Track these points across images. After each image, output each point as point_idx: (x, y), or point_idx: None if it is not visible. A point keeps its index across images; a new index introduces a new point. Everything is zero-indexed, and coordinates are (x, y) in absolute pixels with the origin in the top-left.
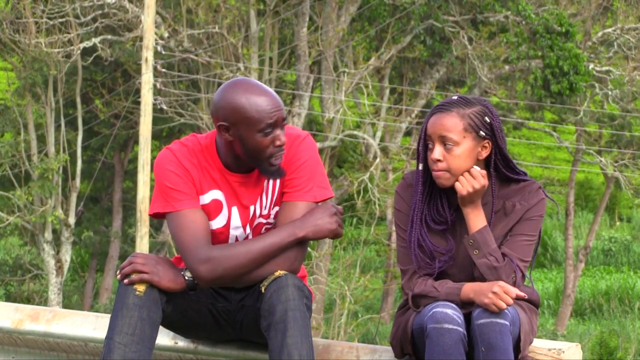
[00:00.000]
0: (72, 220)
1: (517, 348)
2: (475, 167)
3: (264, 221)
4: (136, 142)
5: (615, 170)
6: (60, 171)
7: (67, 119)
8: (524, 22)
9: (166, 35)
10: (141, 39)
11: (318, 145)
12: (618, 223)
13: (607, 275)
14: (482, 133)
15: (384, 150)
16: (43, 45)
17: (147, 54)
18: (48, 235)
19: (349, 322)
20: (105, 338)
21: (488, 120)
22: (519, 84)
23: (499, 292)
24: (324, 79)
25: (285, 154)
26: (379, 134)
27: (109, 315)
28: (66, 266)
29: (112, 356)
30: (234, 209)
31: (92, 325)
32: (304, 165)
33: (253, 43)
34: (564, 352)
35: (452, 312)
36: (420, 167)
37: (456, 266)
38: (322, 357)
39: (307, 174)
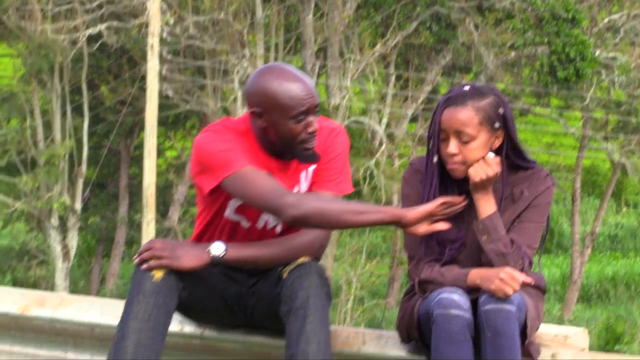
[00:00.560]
0: (78, 206)
1: (523, 334)
2: (490, 154)
3: None
4: (142, 128)
5: (621, 157)
6: (67, 157)
7: (73, 105)
8: (530, 9)
9: (172, 21)
10: (147, 26)
11: None
12: (624, 209)
13: (613, 261)
14: (496, 125)
15: (390, 137)
16: (49, 31)
17: (153, 41)
18: (54, 221)
19: (355, 308)
20: (119, 323)
21: (502, 112)
22: (525, 71)
23: (505, 278)
24: (329, 66)
25: (321, 145)
26: (384, 120)
27: (115, 301)
28: (72, 252)
29: (126, 341)
30: None
31: (99, 311)
32: (337, 158)
33: (259, 29)
34: (570, 337)
35: (458, 297)
36: (435, 159)
37: (464, 253)
38: None
39: (338, 167)
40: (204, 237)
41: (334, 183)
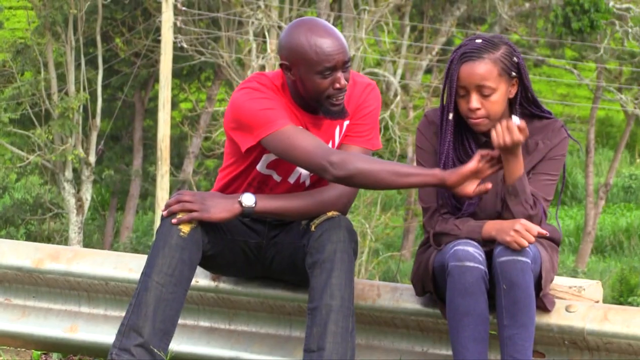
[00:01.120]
0: (92, 158)
1: (538, 286)
2: (515, 119)
3: None
4: (156, 80)
5: (635, 108)
6: (81, 110)
7: (87, 57)
8: None
9: None
10: None
11: None
12: (638, 160)
13: (627, 213)
14: (513, 74)
15: (405, 88)
16: None
17: None
18: (68, 174)
19: (369, 260)
20: (142, 274)
21: (516, 60)
22: (539, 22)
23: (520, 230)
24: (344, 17)
25: (355, 100)
26: (399, 71)
27: (130, 255)
28: (86, 205)
29: (148, 295)
30: None
31: (113, 264)
32: (370, 114)
33: None
34: (584, 289)
35: (473, 250)
36: (451, 116)
37: (479, 205)
38: None
39: (370, 123)
40: (229, 189)
41: (366, 139)
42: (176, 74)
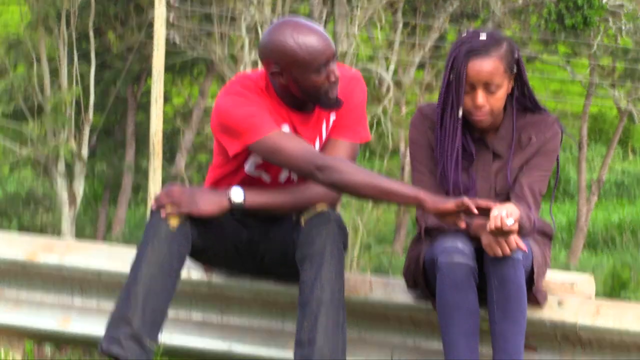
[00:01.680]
0: (85, 152)
1: (530, 280)
2: (510, 220)
3: None
4: (149, 75)
5: (628, 104)
6: (73, 104)
7: (80, 52)
8: None
9: None
10: None
11: None
12: (631, 156)
13: (619, 208)
14: (514, 70)
15: (397, 84)
16: None
17: None
18: (61, 167)
19: (361, 254)
20: (132, 267)
21: (516, 56)
22: (532, 18)
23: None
24: (337, 13)
25: (341, 92)
26: (392, 67)
27: (122, 247)
28: (79, 198)
29: (138, 286)
30: None
31: (106, 257)
32: (357, 106)
33: None
34: (577, 284)
35: (462, 245)
36: (460, 114)
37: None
38: None
39: (357, 115)
40: (220, 185)
41: (354, 132)
42: (169, 69)
